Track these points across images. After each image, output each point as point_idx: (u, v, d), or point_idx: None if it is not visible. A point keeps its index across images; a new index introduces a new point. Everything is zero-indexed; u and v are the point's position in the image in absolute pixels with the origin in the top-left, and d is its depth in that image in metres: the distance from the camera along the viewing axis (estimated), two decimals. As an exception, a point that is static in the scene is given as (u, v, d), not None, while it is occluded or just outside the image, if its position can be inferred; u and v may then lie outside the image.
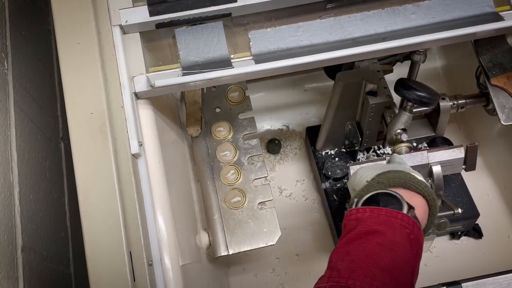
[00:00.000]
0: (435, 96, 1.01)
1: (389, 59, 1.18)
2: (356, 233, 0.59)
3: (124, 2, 0.76)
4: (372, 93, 1.11)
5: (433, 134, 1.23)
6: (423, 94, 1.00)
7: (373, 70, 1.13)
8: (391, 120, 1.10)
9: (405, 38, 0.75)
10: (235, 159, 1.01)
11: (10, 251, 0.71)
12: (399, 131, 1.06)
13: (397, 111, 1.10)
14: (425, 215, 0.65)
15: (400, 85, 1.02)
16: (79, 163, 0.69)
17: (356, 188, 0.71)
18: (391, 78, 1.10)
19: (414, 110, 1.06)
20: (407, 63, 1.11)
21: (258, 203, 0.97)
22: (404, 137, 1.05)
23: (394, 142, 1.06)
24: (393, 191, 0.62)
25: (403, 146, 1.05)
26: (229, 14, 0.77)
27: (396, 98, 1.14)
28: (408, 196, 0.63)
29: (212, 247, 0.98)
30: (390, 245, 0.56)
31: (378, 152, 1.23)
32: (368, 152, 1.25)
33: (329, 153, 1.29)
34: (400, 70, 1.16)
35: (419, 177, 0.69)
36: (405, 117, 1.06)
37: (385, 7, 0.78)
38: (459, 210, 1.04)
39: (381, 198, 0.62)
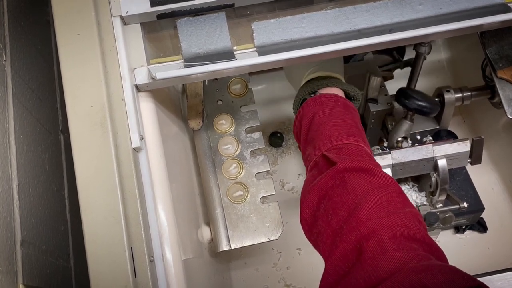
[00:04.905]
0: (435, 106, 1.05)
1: (389, 66, 1.23)
2: (301, 119, 0.82)
3: (125, -8, 0.75)
4: (373, 100, 1.15)
5: (437, 127, 1.22)
6: (423, 104, 1.04)
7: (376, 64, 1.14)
8: (392, 128, 1.14)
9: (412, 30, 0.73)
10: (237, 152, 1.00)
11: (9, 245, 0.70)
12: (400, 139, 1.11)
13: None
14: (342, 94, 0.85)
15: (401, 94, 1.06)
16: (79, 157, 0.68)
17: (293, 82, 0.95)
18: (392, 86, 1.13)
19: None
20: (407, 70, 1.13)
21: (261, 197, 0.96)
22: (405, 145, 1.10)
23: (396, 149, 1.09)
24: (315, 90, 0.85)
25: None
26: (232, 5, 0.75)
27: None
28: (328, 90, 0.84)
29: (214, 241, 0.97)
30: (329, 115, 0.78)
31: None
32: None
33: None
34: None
35: (339, 75, 0.89)
36: (406, 126, 1.11)
37: (392, -2, 0.76)
38: (465, 204, 1.03)
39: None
